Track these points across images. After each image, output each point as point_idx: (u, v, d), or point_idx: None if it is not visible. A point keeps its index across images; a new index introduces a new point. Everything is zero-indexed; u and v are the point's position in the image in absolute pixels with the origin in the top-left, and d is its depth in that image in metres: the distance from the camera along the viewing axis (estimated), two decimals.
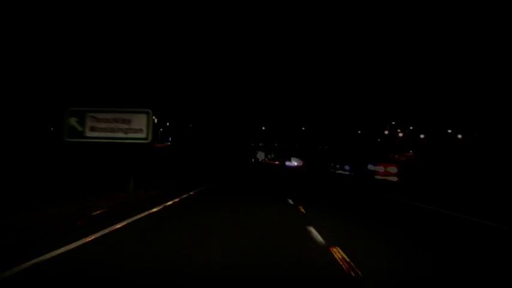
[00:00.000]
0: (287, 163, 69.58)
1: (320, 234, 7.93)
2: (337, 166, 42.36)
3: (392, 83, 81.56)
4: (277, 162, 78.37)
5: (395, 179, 37.15)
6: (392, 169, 40.85)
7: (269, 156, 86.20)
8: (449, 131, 75.38)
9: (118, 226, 8.15)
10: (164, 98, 72.04)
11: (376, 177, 38.45)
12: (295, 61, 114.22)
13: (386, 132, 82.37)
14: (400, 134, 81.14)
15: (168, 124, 77.04)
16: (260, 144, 79.94)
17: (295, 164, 66.39)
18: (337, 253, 6.32)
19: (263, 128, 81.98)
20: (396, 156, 70.35)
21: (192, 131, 76.14)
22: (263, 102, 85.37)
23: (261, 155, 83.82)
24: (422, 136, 79.59)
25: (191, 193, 16.63)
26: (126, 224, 8.53)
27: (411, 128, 77.79)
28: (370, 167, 44.47)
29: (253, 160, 79.70)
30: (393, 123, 73.50)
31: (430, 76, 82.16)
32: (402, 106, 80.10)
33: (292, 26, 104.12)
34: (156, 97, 72.29)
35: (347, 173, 40.96)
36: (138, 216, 9.58)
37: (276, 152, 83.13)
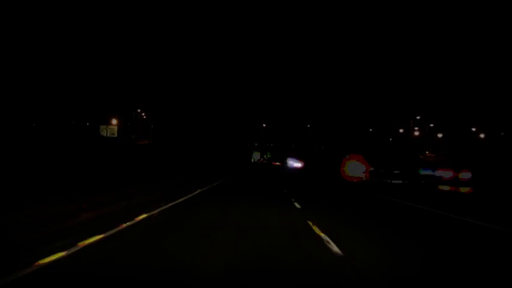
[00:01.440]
0: (289, 164, 61.67)
1: None
2: (381, 171, 32.12)
3: (409, 78, 73.92)
4: (278, 163, 70.86)
5: (467, 189, 27.83)
6: (466, 175, 31.78)
7: (265, 157, 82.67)
8: (473, 129, 68.08)
9: None
10: (156, 94, 64.78)
11: (441, 187, 28.89)
12: (298, 58, 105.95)
13: (401, 130, 74.44)
14: (416, 133, 73.12)
15: (158, 120, 68.68)
16: (256, 144, 74.62)
17: (296, 165, 58.68)
18: None
19: (264, 125, 74.91)
20: (421, 156, 62.55)
21: (181, 128, 69.03)
22: (263, 98, 77.75)
23: (256, 156, 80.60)
24: (440, 135, 72.11)
25: None
26: None
27: (431, 125, 69.49)
28: (425, 172, 35.08)
29: (252, 161, 74.92)
30: (418, 117, 64.95)
31: (451, 72, 75.28)
32: (419, 103, 72.50)
33: (297, 19, 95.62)
34: (148, 93, 65.83)
35: (399, 181, 31.25)
36: None
37: (273, 152, 78.35)
